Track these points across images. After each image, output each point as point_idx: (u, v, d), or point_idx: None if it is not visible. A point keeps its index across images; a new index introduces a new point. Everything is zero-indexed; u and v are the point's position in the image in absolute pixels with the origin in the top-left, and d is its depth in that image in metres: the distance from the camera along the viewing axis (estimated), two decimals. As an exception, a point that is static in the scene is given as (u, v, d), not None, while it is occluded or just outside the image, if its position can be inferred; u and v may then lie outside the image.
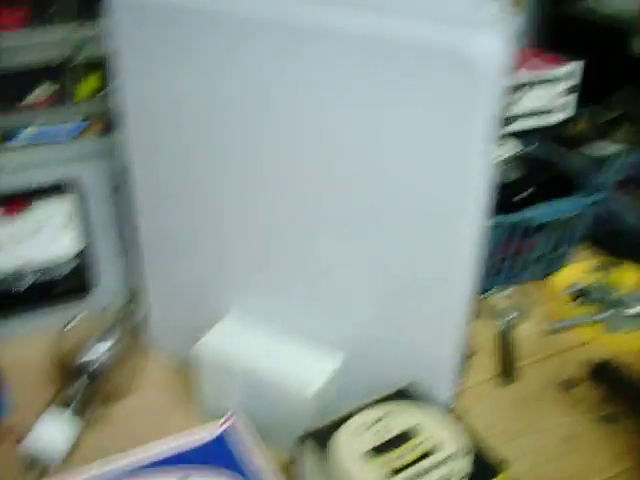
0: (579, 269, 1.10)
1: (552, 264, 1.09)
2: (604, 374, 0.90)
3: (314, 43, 0.66)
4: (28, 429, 0.77)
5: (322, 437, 0.68)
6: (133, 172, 0.84)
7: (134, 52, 0.76)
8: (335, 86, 0.67)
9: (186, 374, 0.89)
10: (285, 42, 0.67)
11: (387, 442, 0.67)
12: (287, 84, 0.69)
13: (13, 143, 0.96)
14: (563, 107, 1.15)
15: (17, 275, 0.93)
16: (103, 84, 1.03)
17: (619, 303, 1.00)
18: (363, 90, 0.65)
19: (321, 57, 0.66)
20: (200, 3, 0.71)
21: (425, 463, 0.65)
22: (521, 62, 1.10)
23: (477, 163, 0.65)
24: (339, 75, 0.66)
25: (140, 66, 0.77)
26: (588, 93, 1.22)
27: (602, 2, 1.34)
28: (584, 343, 0.98)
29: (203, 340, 0.81)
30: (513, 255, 1.04)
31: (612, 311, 0.99)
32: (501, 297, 1.06)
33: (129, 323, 0.90)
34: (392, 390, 0.74)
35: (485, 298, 1.04)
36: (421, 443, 0.67)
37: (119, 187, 0.97)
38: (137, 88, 0.78)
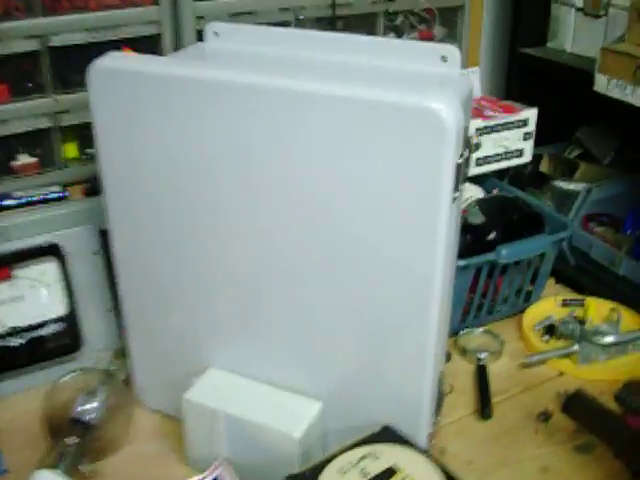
0: (548, 305, 1.14)
1: (521, 301, 1.13)
2: (577, 405, 0.92)
3: (295, 105, 0.70)
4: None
5: (308, 478, 0.70)
6: (112, 234, 0.87)
7: (109, 119, 0.79)
8: (315, 142, 0.71)
9: (174, 425, 0.91)
10: (258, 103, 0.72)
11: (369, 480, 0.70)
12: (265, 141, 0.73)
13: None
14: (521, 152, 1.20)
15: (6, 336, 0.95)
16: (83, 151, 1.07)
17: (588, 335, 1.03)
18: (341, 146, 0.70)
19: (301, 118, 0.70)
20: (170, 70, 0.75)
21: (406, 500, 0.68)
22: (479, 111, 1.15)
23: (446, 208, 0.69)
24: (315, 133, 0.70)
25: (115, 132, 0.80)
26: (551, 132, 1.27)
27: (561, 43, 1.39)
28: (557, 376, 1.01)
29: (188, 393, 0.83)
30: (482, 295, 1.08)
31: (582, 343, 1.02)
32: (473, 336, 1.09)
33: (117, 379, 0.91)
34: (372, 431, 0.76)
35: (458, 338, 1.07)
36: (402, 480, 0.70)
37: (100, 249, 1.00)
38: (113, 153, 0.81)
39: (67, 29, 0.99)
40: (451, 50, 0.79)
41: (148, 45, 1.04)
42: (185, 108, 0.75)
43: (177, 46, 1.06)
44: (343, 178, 0.71)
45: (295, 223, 0.76)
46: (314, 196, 0.73)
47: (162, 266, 0.85)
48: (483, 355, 1.03)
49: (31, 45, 0.98)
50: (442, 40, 1.34)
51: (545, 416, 0.94)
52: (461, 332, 1.08)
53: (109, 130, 0.80)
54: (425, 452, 0.74)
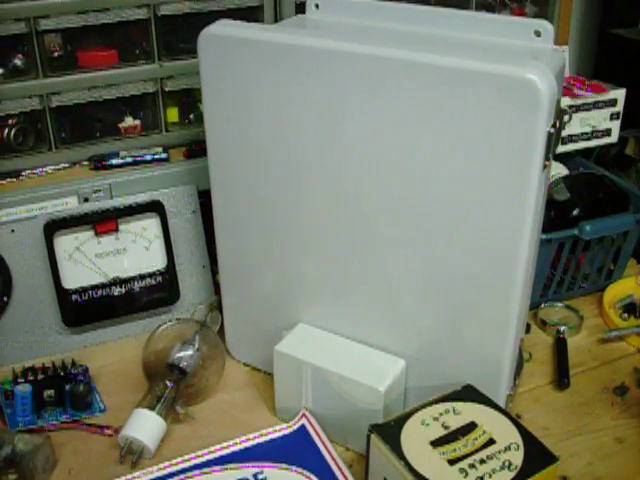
0: (629, 284, 1.15)
1: (602, 279, 1.14)
2: (654, 381, 0.95)
3: (392, 73, 0.73)
4: (121, 425, 0.85)
5: (390, 429, 0.74)
6: (213, 195, 0.91)
7: (217, 84, 0.84)
8: (408, 110, 0.74)
9: (262, 377, 0.97)
10: (353, 70, 0.75)
11: (449, 434, 0.73)
12: (357, 108, 0.76)
13: (106, 167, 1.05)
14: (608, 132, 1.20)
15: (109, 286, 1.02)
16: (186, 114, 1.12)
17: (668, 315, 1.05)
18: (433, 113, 0.73)
19: (397, 86, 0.73)
20: (277, 36, 0.79)
21: (484, 453, 0.71)
22: (567, 89, 1.16)
23: (536, 180, 0.71)
24: (411, 101, 0.73)
25: (221, 96, 0.84)
26: (638, 115, 1.27)
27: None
28: (635, 352, 1.03)
29: (278, 345, 0.87)
30: (564, 271, 1.09)
31: (661, 323, 1.04)
32: (553, 310, 1.11)
33: (211, 331, 0.97)
34: (453, 389, 0.79)
35: (538, 311, 1.09)
36: (480, 436, 0.73)
37: (198, 209, 1.06)
38: (218, 116, 0.86)
39: (175, -1, 1.05)
40: (544, 25, 0.81)
41: (249, 16, 1.08)
42: (290, 74, 0.79)
43: (277, 18, 1.11)
44: (434, 146, 0.74)
45: (385, 190, 0.79)
46: (404, 164, 0.76)
47: (256, 227, 0.90)
48: (563, 328, 1.05)
49: (141, 13, 1.03)
50: (534, 17, 1.34)
51: (621, 390, 0.95)
52: (542, 305, 1.10)
53: (216, 95, 0.84)
54: (504, 411, 0.77)
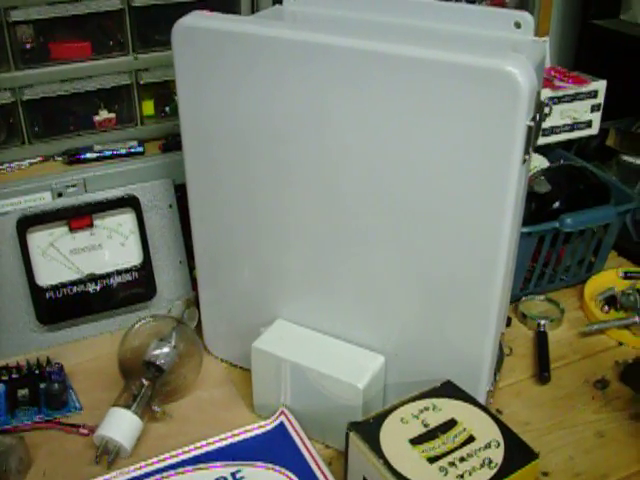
0: (610, 276, 1.14)
1: (583, 272, 1.14)
2: (635, 374, 0.94)
3: (370, 66, 0.72)
4: (97, 424, 0.83)
5: (369, 426, 0.73)
6: (189, 188, 0.90)
7: (191, 76, 0.82)
8: (389, 103, 0.73)
9: (240, 374, 0.95)
10: (332, 63, 0.74)
11: (429, 432, 0.73)
12: (337, 101, 0.75)
13: (80, 160, 1.04)
14: (589, 123, 1.20)
15: (84, 282, 1.00)
16: (161, 107, 1.11)
17: (649, 308, 1.04)
18: (414, 106, 0.72)
19: (376, 79, 0.72)
20: (254, 29, 0.77)
21: (464, 450, 0.70)
22: (548, 81, 1.16)
23: (515, 173, 0.70)
24: (392, 94, 0.72)
25: (196, 88, 0.83)
26: (619, 106, 1.26)
27: (635, 15, 1.37)
28: (615, 345, 1.02)
29: (256, 342, 0.86)
30: (544, 263, 1.09)
31: (642, 316, 1.03)
32: (534, 303, 1.10)
33: (188, 327, 0.95)
34: (433, 386, 0.79)
35: (519, 304, 1.09)
36: (460, 433, 0.72)
37: (175, 203, 1.04)
38: (193, 109, 0.84)
39: (148, -11, 1.03)
40: (525, 17, 0.80)
41: (227, 7, 1.07)
42: (266, 67, 0.77)
43: (254, 9, 1.09)
44: (414, 138, 0.73)
45: (366, 184, 0.78)
46: (385, 157, 0.75)
47: (235, 222, 0.88)
48: (543, 321, 1.05)
49: (114, 4, 1.01)
50: (514, 8, 1.34)
51: (602, 384, 0.95)
52: (523, 299, 1.10)
53: (191, 87, 0.83)
54: (484, 408, 0.76)
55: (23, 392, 0.88)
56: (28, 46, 1.00)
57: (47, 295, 0.98)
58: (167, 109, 1.11)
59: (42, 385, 0.90)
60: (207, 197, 0.89)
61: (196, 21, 0.80)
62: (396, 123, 0.73)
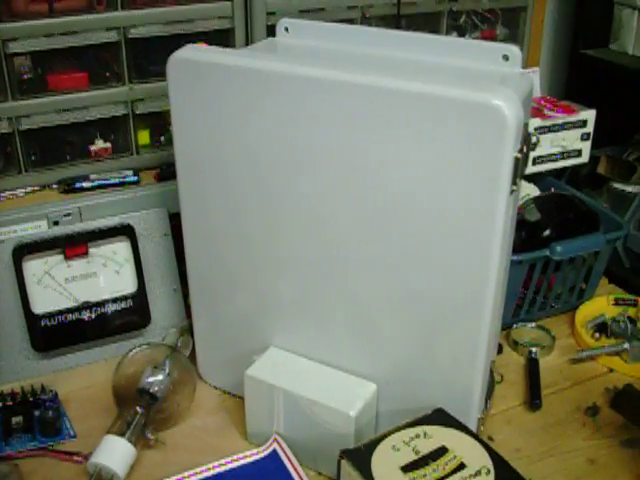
0: (600, 303, 1.15)
1: (574, 299, 1.14)
2: (626, 400, 0.95)
3: (360, 98, 0.74)
4: (91, 451, 0.83)
5: (360, 454, 0.74)
6: (183, 217, 0.91)
7: (186, 108, 0.84)
8: (379, 135, 0.74)
9: (234, 402, 0.96)
10: (321, 95, 0.75)
11: (420, 459, 0.73)
12: (326, 132, 0.76)
13: (76, 190, 1.05)
14: (579, 152, 1.21)
15: (79, 310, 1.01)
16: (156, 137, 1.12)
17: (639, 335, 1.05)
18: (402, 139, 0.73)
19: (366, 111, 0.74)
20: (247, 62, 0.79)
21: (454, 478, 0.71)
22: (538, 110, 1.17)
23: (503, 204, 0.71)
24: (380, 126, 0.74)
25: (190, 119, 0.84)
26: (609, 134, 1.28)
27: (623, 45, 1.39)
28: (606, 372, 1.03)
29: (249, 370, 0.87)
30: (535, 291, 1.10)
31: (633, 342, 1.03)
32: (525, 330, 1.11)
33: (182, 355, 0.96)
34: (424, 413, 0.79)
35: (510, 332, 1.09)
36: (450, 460, 0.73)
37: (169, 232, 1.05)
38: (187, 140, 0.86)
39: (144, 22, 1.04)
40: (512, 50, 0.82)
41: (221, 39, 1.09)
42: (260, 100, 0.79)
43: (248, 41, 1.11)
44: (404, 169, 0.74)
45: (355, 213, 0.79)
46: (373, 187, 0.77)
47: (229, 250, 0.89)
48: (534, 349, 1.05)
49: (110, 36, 1.03)
50: (504, 40, 1.36)
51: (593, 410, 0.95)
52: (514, 326, 1.10)
53: (186, 119, 0.84)
54: (475, 435, 0.77)
55: (17, 419, 0.89)
56: (26, 77, 1.02)
57: (42, 323, 0.99)
58: (162, 139, 1.13)
59: (36, 412, 0.90)
60: (200, 226, 0.90)
61: (191, 54, 0.82)
62: (386, 154, 0.75)
